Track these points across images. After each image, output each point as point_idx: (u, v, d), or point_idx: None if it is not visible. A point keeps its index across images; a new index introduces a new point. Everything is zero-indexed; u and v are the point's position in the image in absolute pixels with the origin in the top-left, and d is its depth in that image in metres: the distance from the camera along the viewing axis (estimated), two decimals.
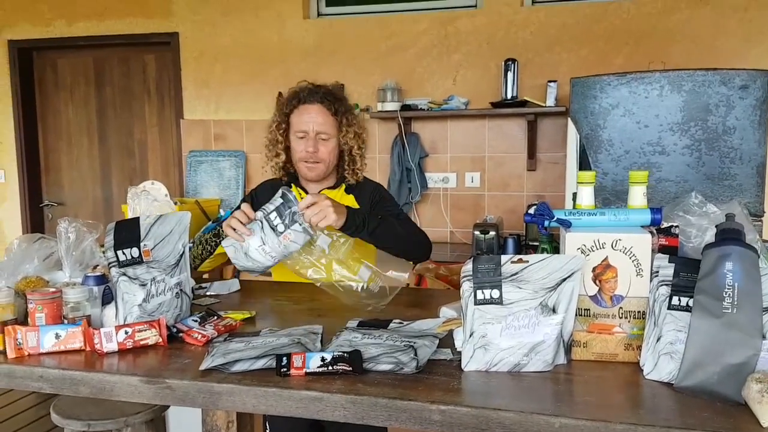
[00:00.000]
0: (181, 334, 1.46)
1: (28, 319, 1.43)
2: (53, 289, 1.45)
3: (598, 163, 2.98)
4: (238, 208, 2.20)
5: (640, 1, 3.74)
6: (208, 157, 4.55)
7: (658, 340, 1.19)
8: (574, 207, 1.39)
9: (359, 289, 1.72)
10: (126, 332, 1.38)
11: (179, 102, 4.58)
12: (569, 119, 3.15)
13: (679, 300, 1.18)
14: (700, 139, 2.86)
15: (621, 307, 1.26)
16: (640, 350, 1.23)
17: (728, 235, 1.17)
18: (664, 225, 1.34)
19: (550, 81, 3.73)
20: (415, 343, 1.31)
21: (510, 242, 3.61)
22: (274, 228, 1.70)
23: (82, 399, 2.07)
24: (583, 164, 3.08)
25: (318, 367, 1.22)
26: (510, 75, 3.82)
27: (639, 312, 1.25)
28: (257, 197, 2.13)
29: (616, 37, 3.78)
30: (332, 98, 2.05)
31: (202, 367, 1.26)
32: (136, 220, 1.49)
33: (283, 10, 4.30)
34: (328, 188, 2.10)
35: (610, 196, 2.90)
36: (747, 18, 3.62)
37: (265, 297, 1.89)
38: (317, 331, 1.47)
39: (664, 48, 3.68)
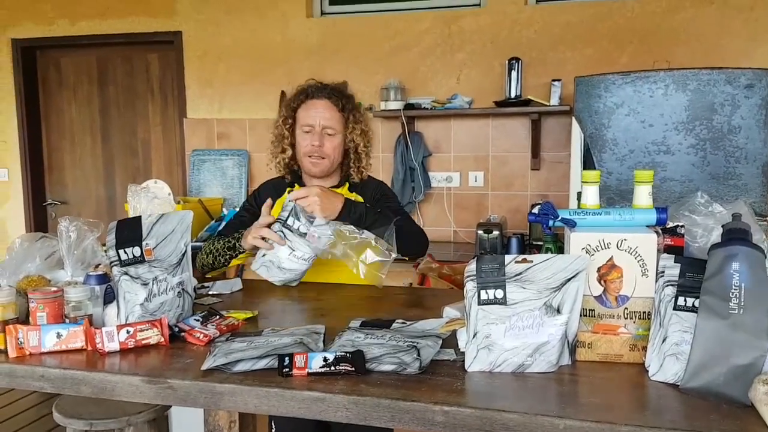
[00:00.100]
0: (183, 334, 1.45)
1: (30, 318, 1.42)
2: (55, 288, 1.45)
3: (603, 162, 2.96)
4: (242, 209, 2.20)
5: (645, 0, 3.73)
6: (211, 155, 4.54)
7: (664, 340, 1.18)
8: (578, 206, 1.38)
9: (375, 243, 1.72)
10: (128, 332, 1.38)
11: (182, 101, 4.58)
12: (573, 118, 3.13)
13: (685, 300, 1.17)
14: (705, 139, 2.84)
15: (626, 308, 1.24)
16: (646, 351, 1.22)
17: (735, 235, 1.16)
18: (670, 225, 1.33)
19: (554, 80, 3.71)
20: (418, 343, 1.30)
21: (514, 242, 3.60)
22: (297, 231, 1.71)
23: (85, 398, 2.06)
24: (587, 163, 3.07)
25: (320, 367, 1.22)
26: (514, 74, 3.81)
27: (644, 312, 1.24)
28: (260, 197, 2.13)
29: (621, 36, 3.77)
30: (340, 95, 2.06)
31: (204, 367, 1.25)
32: (137, 219, 1.48)
33: (287, 9, 4.30)
34: (332, 186, 2.09)
35: (615, 196, 2.88)
36: (753, 17, 3.60)
37: (268, 296, 1.88)
38: (319, 330, 1.46)
39: (668, 47, 3.67)
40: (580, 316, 1.24)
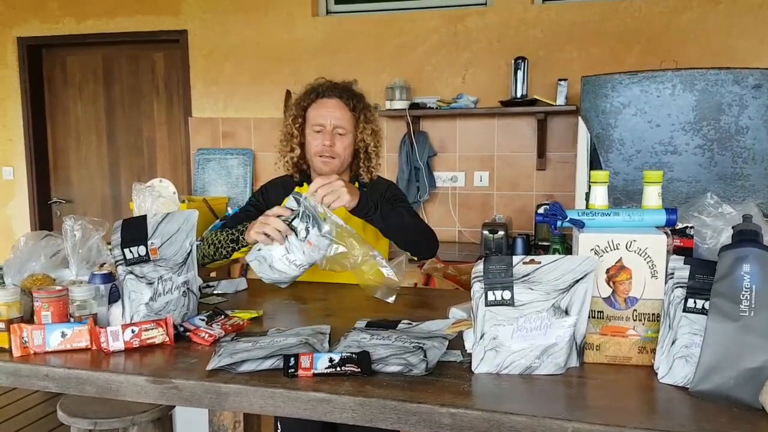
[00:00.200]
0: (188, 333, 1.45)
1: (34, 317, 1.42)
2: (59, 287, 1.44)
3: (609, 162, 2.95)
4: (248, 204, 2.18)
5: None
6: (216, 155, 4.54)
7: (673, 343, 1.16)
8: (586, 207, 1.37)
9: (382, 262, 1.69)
10: (132, 331, 1.37)
11: (188, 100, 4.58)
12: (580, 118, 3.12)
13: (695, 302, 1.16)
14: (713, 139, 2.82)
15: (635, 310, 1.23)
16: (655, 353, 1.21)
17: (745, 237, 1.14)
18: (679, 226, 1.32)
19: (560, 79, 3.70)
20: (424, 344, 1.29)
21: (519, 242, 3.59)
22: (297, 233, 1.68)
23: (89, 397, 2.06)
24: (594, 164, 3.05)
25: (326, 368, 1.21)
26: (520, 73, 3.79)
27: (653, 314, 1.23)
28: (267, 195, 2.11)
29: (628, 36, 3.75)
30: (351, 94, 2.04)
31: (209, 367, 1.25)
32: (143, 218, 1.48)
33: (293, 8, 4.29)
34: None
35: (621, 196, 2.86)
36: (761, 17, 3.58)
37: (273, 296, 1.87)
38: (325, 331, 1.45)
39: (676, 47, 3.65)
40: (589, 317, 1.23)
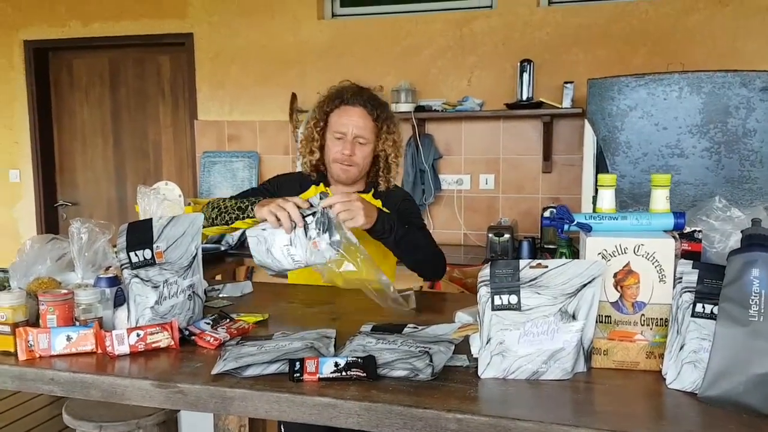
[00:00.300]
0: (193, 337, 1.45)
1: (40, 321, 1.42)
2: (65, 291, 1.44)
3: (616, 165, 2.94)
4: (262, 187, 2.14)
5: (658, 1, 3.70)
6: (221, 157, 4.55)
7: (682, 348, 1.15)
8: (594, 210, 1.36)
9: (390, 289, 1.65)
10: (138, 335, 1.37)
11: (193, 103, 4.58)
12: (586, 121, 3.11)
13: (703, 307, 1.15)
14: (720, 142, 2.81)
15: (643, 314, 1.22)
16: (663, 358, 1.20)
17: (754, 241, 1.13)
18: (687, 230, 1.31)
19: (566, 82, 3.69)
20: (430, 348, 1.28)
21: (525, 245, 3.58)
22: (306, 231, 1.63)
23: (95, 400, 2.06)
24: (600, 166, 3.04)
25: (331, 372, 1.20)
26: (526, 76, 3.78)
27: (661, 319, 1.22)
28: (281, 187, 2.10)
29: (634, 38, 3.74)
30: (375, 103, 2.01)
31: (215, 371, 1.24)
32: (148, 222, 1.48)
33: (298, 11, 4.29)
34: (358, 192, 2.07)
35: (628, 199, 2.85)
36: None
37: (278, 300, 1.87)
38: (330, 335, 1.44)
39: (682, 49, 3.63)
40: (596, 322, 1.22)
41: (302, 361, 1.22)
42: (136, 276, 1.43)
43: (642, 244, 1.21)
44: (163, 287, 1.46)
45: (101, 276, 1.50)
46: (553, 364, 1.20)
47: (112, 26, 4.63)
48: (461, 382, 1.19)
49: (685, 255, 1.29)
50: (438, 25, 4.07)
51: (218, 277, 3.33)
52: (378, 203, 2.04)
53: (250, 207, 1.79)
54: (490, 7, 4.05)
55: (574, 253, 1.41)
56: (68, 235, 1.61)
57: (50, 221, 4.98)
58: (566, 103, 3.69)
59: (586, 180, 3.23)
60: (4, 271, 1.67)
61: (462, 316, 1.53)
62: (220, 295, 1.89)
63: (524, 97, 3.80)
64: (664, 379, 1.18)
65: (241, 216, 1.81)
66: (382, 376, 1.20)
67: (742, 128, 2.78)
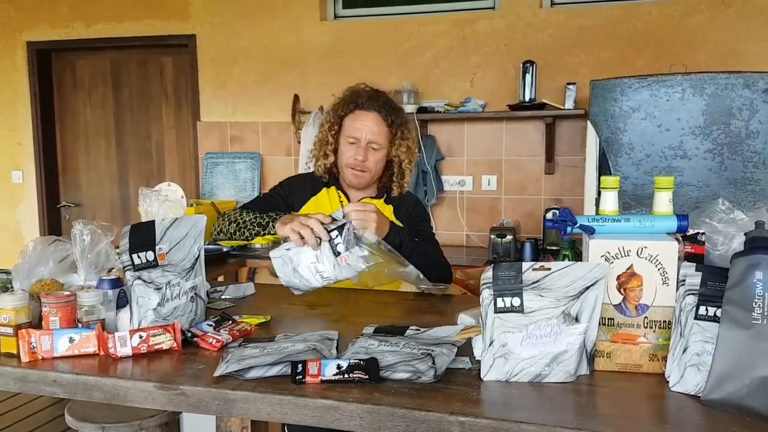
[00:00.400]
0: (195, 339, 1.45)
1: (42, 323, 1.42)
2: (67, 293, 1.44)
3: (618, 167, 2.93)
4: (274, 192, 2.14)
5: (661, 2, 3.69)
6: (224, 158, 4.55)
7: (685, 351, 1.15)
8: (596, 212, 1.36)
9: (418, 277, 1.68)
10: (140, 336, 1.37)
11: (196, 104, 4.59)
12: (589, 122, 3.10)
13: (707, 310, 1.14)
14: (723, 143, 2.80)
15: (646, 317, 1.22)
16: (666, 361, 1.20)
17: (758, 244, 1.13)
18: (690, 232, 1.31)
19: (568, 83, 3.69)
20: (432, 351, 1.28)
21: (527, 246, 3.58)
22: (333, 247, 1.61)
23: (97, 402, 2.06)
24: (603, 168, 3.04)
25: (334, 374, 1.20)
26: (528, 77, 3.78)
27: (665, 322, 1.21)
28: (291, 189, 2.10)
29: (637, 40, 3.73)
30: (390, 108, 2.00)
31: (217, 373, 1.24)
32: (151, 224, 1.48)
33: (300, 12, 4.30)
34: (370, 197, 2.06)
35: (630, 201, 2.85)
36: None
37: (281, 301, 1.87)
38: (333, 337, 1.44)
39: (685, 50, 3.63)
40: (599, 325, 1.22)
41: (304, 363, 1.22)
42: (139, 278, 1.43)
43: (645, 247, 1.21)
44: (166, 289, 1.46)
45: (104, 278, 1.50)
46: (556, 366, 1.19)
47: (114, 27, 4.64)
48: (464, 385, 1.19)
49: (688, 257, 1.29)
50: (440, 26, 4.07)
51: (220, 279, 3.33)
52: (389, 209, 2.04)
53: (270, 223, 1.79)
54: (493, 8, 4.05)
55: (577, 255, 1.40)
56: (71, 237, 1.61)
57: (53, 222, 4.99)
58: (569, 104, 3.69)
59: (589, 181, 3.23)
60: (7, 272, 1.67)
61: (464, 318, 1.53)
62: (223, 297, 1.88)
63: (527, 99, 3.80)
64: (667, 382, 1.18)
65: (262, 232, 1.82)
66: (385, 378, 1.20)
67: (745, 130, 2.77)
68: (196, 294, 1.54)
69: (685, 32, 3.66)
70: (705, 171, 2.83)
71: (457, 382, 1.20)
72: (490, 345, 1.20)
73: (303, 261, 1.65)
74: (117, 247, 1.52)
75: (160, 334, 1.39)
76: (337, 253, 1.62)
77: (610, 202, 1.35)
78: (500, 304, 1.20)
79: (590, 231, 1.28)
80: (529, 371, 1.19)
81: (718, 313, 1.13)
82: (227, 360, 1.29)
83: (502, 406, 1.13)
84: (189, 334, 1.46)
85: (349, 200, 2.07)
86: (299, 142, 4.22)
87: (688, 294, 1.16)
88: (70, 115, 4.98)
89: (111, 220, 4.38)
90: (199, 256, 1.56)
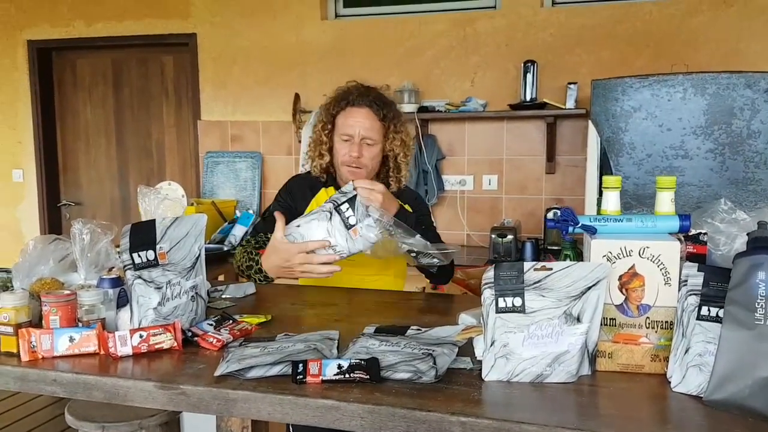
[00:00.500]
0: (196, 338, 1.44)
1: (43, 322, 1.42)
2: (68, 292, 1.44)
3: (620, 166, 2.93)
4: (277, 204, 2.13)
5: (662, 2, 3.69)
6: (224, 158, 4.55)
7: (687, 351, 1.15)
8: (598, 212, 1.36)
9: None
10: (141, 336, 1.37)
11: (197, 103, 4.59)
12: (590, 122, 3.10)
13: (709, 310, 1.14)
14: (724, 143, 2.80)
15: (648, 317, 1.22)
16: (668, 362, 1.19)
17: (760, 244, 1.13)
18: (692, 232, 1.30)
19: (569, 83, 3.68)
20: (433, 351, 1.27)
21: (528, 246, 3.58)
22: (344, 220, 1.61)
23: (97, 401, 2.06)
24: (604, 167, 3.04)
25: (334, 374, 1.20)
26: (529, 77, 3.78)
27: (666, 322, 1.21)
28: (293, 193, 2.09)
29: (638, 39, 3.73)
30: (381, 103, 2.00)
31: (218, 373, 1.24)
32: (151, 223, 1.48)
33: (301, 12, 4.29)
34: None
35: (632, 200, 2.85)
36: None
37: (281, 301, 1.87)
38: (333, 336, 1.44)
39: (686, 50, 3.62)
40: (601, 325, 1.22)
41: (305, 363, 1.22)
42: (139, 277, 1.43)
43: (647, 247, 1.20)
44: (166, 288, 1.45)
45: (104, 277, 1.50)
46: (558, 367, 1.19)
47: (115, 26, 4.63)
48: (465, 385, 1.18)
49: (689, 257, 1.29)
50: (441, 26, 4.07)
51: (221, 278, 3.32)
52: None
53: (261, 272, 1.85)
54: (494, 7, 4.05)
55: (579, 255, 1.40)
56: (71, 236, 1.60)
57: (53, 221, 4.99)
58: (570, 103, 3.68)
59: (590, 181, 3.23)
60: (7, 271, 1.67)
61: (465, 318, 1.53)
62: (223, 296, 1.88)
63: (528, 98, 3.79)
64: (669, 383, 1.17)
65: (263, 279, 1.87)
66: (386, 378, 1.20)
67: (746, 129, 2.77)
68: (196, 293, 1.54)
69: (686, 32, 3.66)
70: (706, 171, 2.83)
71: (459, 383, 1.19)
72: (491, 345, 1.20)
73: (315, 237, 1.64)
74: (117, 246, 1.51)
75: (160, 334, 1.38)
76: (349, 226, 1.61)
77: (612, 201, 1.34)
78: (502, 304, 1.19)
79: (592, 231, 1.27)
80: (531, 371, 1.19)
81: (721, 313, 1.12)
82: (228, 359, 1.28)
83: (504, 406, 1.13)
84: (189, 334, 1.46)
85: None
86: (300, 142, 4.22)
87: (690, 294, 1.16)
88: (70, 114, 4.97)
89: (111, 219, 4.38)
90: (199, 255, 1.56)
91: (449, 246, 1.78)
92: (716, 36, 3.62)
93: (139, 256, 1.44)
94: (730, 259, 1.16)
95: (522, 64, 3.80)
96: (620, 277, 1.21)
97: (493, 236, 3.64)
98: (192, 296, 1.52)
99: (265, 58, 4.40)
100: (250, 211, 4.16)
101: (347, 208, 1.62)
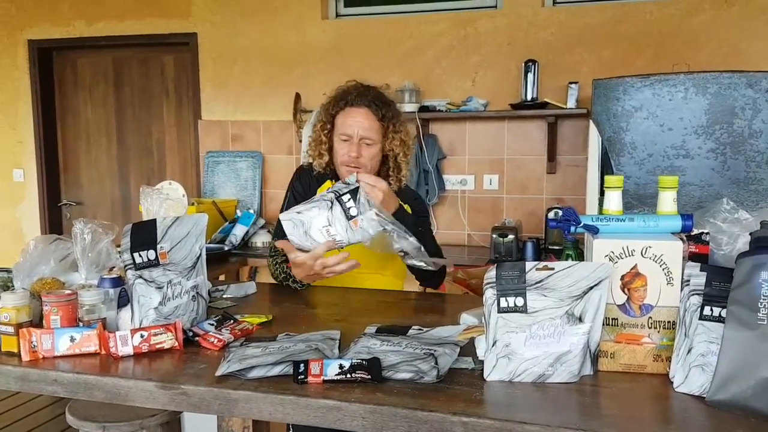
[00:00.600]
0: (197, 338, 1.44)
1: (43, 322, 1.41)
2: (68, 292, 1.44)
3: (621, 166, 2.93)
4: (292, 196, 2.13)
5: (663, 2, 3.68)
6: (225, 157, 4.54)
7: (689, 351, 1.14)
8: (600, 212, 1.35)
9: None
10: (141, 336, 1.36)
11: (197, 102, 4.58)
12: (591, 121, 3.09)
13: (711, 310, 1.14)
14: (726, 143, 2.79)
15: (650, 317, 1.21)
16: (670, 362, 1.19)
17: (763, 244, 1.12)
18: (694, 232, 1.30)
19: (570, 82, 3.68)
20: (435, 351, 1.27)
21: (529, 246, 3.57)
22: (345, 210, 1.62)
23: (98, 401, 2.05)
24: (605, 167, 3.03)
25: (336, 374, 1.19)
26: (530, 76, 3.77)
27: (669, 322, 1.21)
28: (301, 181, 2.10)
29: (639, 39, 3.72)
30: (380, 103, 2.00)
31: (219, 373, 1.24)
32: (152, 222, 1.47)
33: (302, 11, 4.29)
34: None
35: (633, 200, 2.84)
36: None
37: (282, 300, 1.87)
38: (335, 336, 1.44)
39: (688, 50, 3.62)
40: (603, 325, 1.21)
41: (306, 363, 1.21)
42: (140, 277, 1.42)
43: (649, 247, 1.20)
44: (167, 288, 1.45)
45: (105, 276, 1.50)
46: (560, 367, 1.19)
47: (115, 26, 4.63)
48: (467, 385, 1.18)
49: (692, 257, 1.28)
50: (442, 25, 4.06)
51: (222, 278, 3.32)
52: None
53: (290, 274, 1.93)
54: (495, 7, 4.04)
55: (581, 255, 1.39)
56: (72, 236, 1.60)
57: (54, 221, 4.98)
58: (571, 103, 3.68)
59: (591, 181, 3.22)
60: (8, 271, 1.66)
61: (467, 318, 1.52)
62: (224, 296, 1.88)
63: (529, 98, 3.79)
64: (672, 383, 1.17)
65: (299, 285, 1.93)
66: (387, 378, 1.20)
67: (748, 129, 2.76)
68: (197, 293, 1.54)
69: (687, 31, 3.65)
70: (707, 171, 2.82)
71: (460, 383, 1.19)
72: (493, 345, 1.20)
73: (315, 224, 1.65)
74: (118, 246, 1.51)
75: (161, 334, 1.38)
76: (350, 217, 1.62)
77: (614, 201, 1.34)
78: (504, 303, 1.19)
79: (594, 231, 1.27)
80: (533, 371, 1.19)
81: (723, 313, 1.12)
82: (229, 359, 1.28)
83: (506, 406, 1.13)
84: (190, 334, 1.46)
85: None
86: (300, 141, 4.22)
87: (693, 294, 1.16)
88: (71, 114, 4.97)
89: (112, 219, 4.38)
90: (200, 255, 1.55)
91: (440, 260, 1.80)
92: (717, 35, 3.61)
93: (140, 255, 1.44)
94: (733, 259, 1.16)
95: (523, 64, 3.79)
96: (622, 277, 1.21)
97: (493, 236, 3.63)
98: (193, 296, 1.52)
99: (265, 58, 4.40)
100: (251, 211, 4.15)
101: (348, 199, 1.63)
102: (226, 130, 4.57)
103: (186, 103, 4.70)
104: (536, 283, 1.19)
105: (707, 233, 1.29)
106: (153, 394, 1.24)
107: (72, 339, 1.36)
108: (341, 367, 1.20)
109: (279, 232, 1.93)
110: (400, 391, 1.15)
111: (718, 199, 1.35)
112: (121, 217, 4.85)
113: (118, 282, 1.49)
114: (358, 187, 1.64)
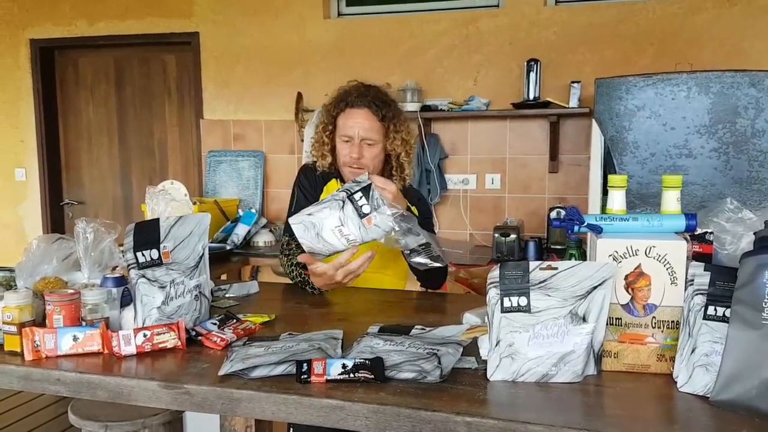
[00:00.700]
0: (200, 338, 1.44)
1: (46, 321, 1.41)
2: (71, 291, 1.44)
3: (623, 165, 2.92)
4: (300, 193, 2.12)
5: (666, 1, 3.68)
6: (227, 157, 4.54)
7: (693, 351, 1.14)
8: (603, 212, 1.35)
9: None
10: (144, 335, 1.36)
11: (199, 102, 4.58)
12: (594, 121, 3.09)
13: (715, 310, 1.14)
14: (728, 142, 2.79)
15: (654, 317, 1.21)
16: (674, 362, 1.19)
17: (767, 243, 1.12)
18: (698, 231, 1.30)
19: (573, 82, 3.67)
20: (438, 350, 1.27)
21: (531, 245, 3.57)
22: (358, 209, 1.60)
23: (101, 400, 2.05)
24: (608, 167, 3.03)
25: (339, 374, 1.19)
26: (532, 75, 3.77)
27: (673, 322, 1.20)
28: (306, 178, 2.10)
29: (641, 38, 3.72)
30: (380, 103, 1.99)
31: (221, 372, 1.24)
32: (155, 222, 1.47)
33: (304, 11, 4.29)
34: None
35: (635, 200, 2.84)
36: None
37: (285, 300, 1.87)
38: (337, 336, 1.43)
39: (690, 49, 3.61)
40: (607, 325, 1.21)
41: (309, 362, 1.21)
42: (143, 276, 1.42)
43: (653, 246, 1.20)
44: (170, 287, 1.45)
45: (108, 276, 1.50)
46: (563, 366, 1.18)
47: (117, 25, 4.63)
48: (470, 385, 1.18)
49: (695, 257, 1.28)
50: (444, 25, 4.06)
51: (224, 277, 3.32)
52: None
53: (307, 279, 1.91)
54: (497, 6, 4.04)
55: (584, 254, 1.39)
56: (74, 235, 1.60)
57: (56, 220, 4.99)
58: (573, 102, 3.67)
59: (594, 180, 3.22)
60: (11, 270, 1.67)
61: (470, 318, 1.52)
62: (227, 296, 1.88)
63: (531, 97, 3.78)
64: (675, 383, 1.17)
65: (313, 291, 1.92)
66: (390, 378, 1.19)
67: (750, 128, 2.76)
68: (200, 292, 1.54)
69: (689, 30, 3.65)
70: (710, 170, 2.82)
71: (463, 382, 1.19)
72: (496, 345, 1.20)
73: (326, 225, 1.62)
74: (121, 245, 1.51)
75: (164, 333, 1.38)
76: (363, 215, 1.60)
77: (617, 201, 1.34)
78: (507, 303, 1.19)
79: (598, 230, 1.27)
80: (536, 371, 1.19)
81: (727, 313, 1.12)
82: (232, 359, 1.28)
83: (509, 406, 1.12)
84: (193, 333, 1.46)
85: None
86: (302, 141, 4.22)
87: (697, 294, 1.15)
88: (72, 113, 4.98)
89: (114, 218, 4.38)
90: (203, 254, 1.55)
91: (436, 263, 1.77)
92: (720, 34, 3.61)
93: (143, 255, 1.44)
94: (737, 259, 1.15)
95: (525, 63, 3.79)
96: (626, 277, 1.21)
97: (496, 235, 3.63)
98: (196, 295, 1.52)
99: (267, 57, 4.40)
100: (253, 210, 4.15)
101: (360, 197, 1.61)
102: (227, 130, 4.57)
103: (188, 102, 4.70)
104: (540, 282, 1.19)
105: (711, 233, 1.29)
106: (156, 393, 1.24)
107: (75, 338, 1.36)
108: (344, 366, 1.20)
109: (290, 230, 1.91)
110: (404, 391, 1.15)
111: (720, 198, 1.35)
112: (122, 216, 4.85)
113: (121, 281, 1.49)
114: (370, 184, 1.62)
